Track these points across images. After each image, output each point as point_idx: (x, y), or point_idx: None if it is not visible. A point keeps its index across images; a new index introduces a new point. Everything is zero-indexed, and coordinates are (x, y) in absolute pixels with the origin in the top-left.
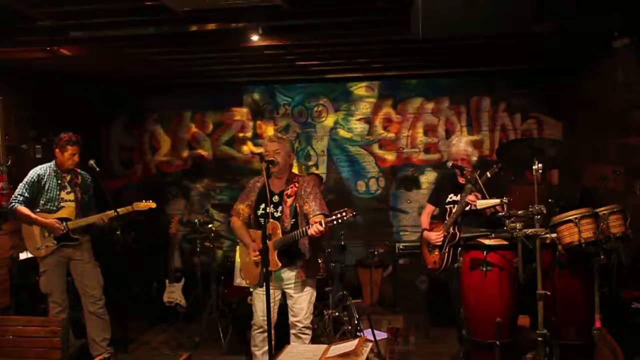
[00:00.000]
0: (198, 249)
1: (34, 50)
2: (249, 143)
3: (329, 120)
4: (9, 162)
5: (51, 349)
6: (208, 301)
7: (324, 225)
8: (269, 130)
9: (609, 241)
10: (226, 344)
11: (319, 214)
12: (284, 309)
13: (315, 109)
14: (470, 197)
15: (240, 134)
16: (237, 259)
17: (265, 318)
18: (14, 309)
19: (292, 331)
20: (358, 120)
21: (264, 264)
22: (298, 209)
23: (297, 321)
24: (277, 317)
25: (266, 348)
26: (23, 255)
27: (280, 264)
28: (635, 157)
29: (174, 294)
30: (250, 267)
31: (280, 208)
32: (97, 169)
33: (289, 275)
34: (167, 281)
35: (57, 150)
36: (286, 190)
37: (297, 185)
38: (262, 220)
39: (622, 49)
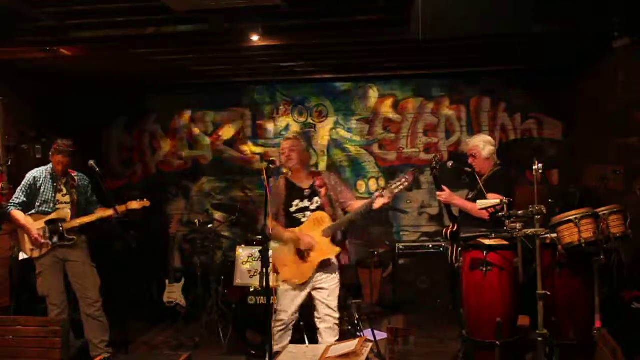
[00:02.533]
0: (198, 249)
1: (34, 50)
2: (249, 143)
3: (329, 120)
4: (9, 162)
5: (51, 349)
6: (208, 301)
7: (387, 197)
8: (269, 131)
9: (609, 241)
10: (226, 344)
11: (354, 200)
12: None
13: (315, 109)
14: (439, 192)
15: (240, 134)
16: (238, 260)
17: (292, 315)
18: (14, 309)
19: (324, 325)
20: (358, 120)
21: (264, 264)
22: (333, 197)
23: (329, 315)
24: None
25: (285, 343)
26: (23, 255)
27: (339, 248)
28: (635, 157)
29: (174, 294)
30: (297, 264)
31: (315, 199)
32: (97, 169)
33: (320, 272)
34: (167, 281)
35: (50, 154)
36: (315, 182)
37: (320, 178)
38: (298, 215)
39: (622, 49)
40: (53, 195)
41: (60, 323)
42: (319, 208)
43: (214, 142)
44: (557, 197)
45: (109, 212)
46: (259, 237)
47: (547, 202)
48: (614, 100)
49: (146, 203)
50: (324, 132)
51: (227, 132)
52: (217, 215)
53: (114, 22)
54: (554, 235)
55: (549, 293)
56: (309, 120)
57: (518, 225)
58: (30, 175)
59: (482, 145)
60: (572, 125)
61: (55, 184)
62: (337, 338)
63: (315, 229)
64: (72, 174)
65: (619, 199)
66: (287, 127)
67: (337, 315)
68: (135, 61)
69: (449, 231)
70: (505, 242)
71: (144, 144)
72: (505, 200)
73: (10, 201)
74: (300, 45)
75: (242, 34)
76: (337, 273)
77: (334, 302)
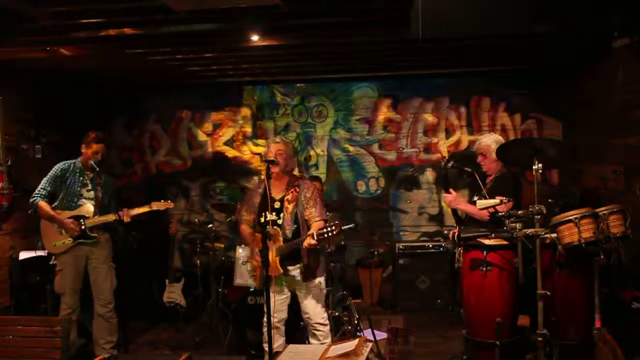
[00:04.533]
0: (198, 249)
1: (34, 50)
2: (249, 143)
3: (329, 120)
4: (9, 162)
5: (51, 349)
6: (208, 301)
7: (316, 239)
8: (269, 131)
9: (609, 241)
10: (226, 344)
11: (318, 220)
12: (294, 308)
13: (315, 109)
14: (445, 194)
15: (240, 134)
16: (239, 258)
17: (276, 317)
18: (14, 309)
19: (308, 329)
20: (358, 120)
21: (264, 264)
22: (299, 215)
23: (308, 317)
24: (287, 315)
25: (278, 344)
26: (23, 255)
27: (282, 270)
28: (635, 157)
29: (174, 294)
30: (257, 269)
31: (281, 214)
32: (97, 169)
33: (298, 271)
34: (167, 281)
35: (83, 145)
36: (287, 196)
37: (297, 189)
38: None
39: (622, 49)
40: (78, 189)
41: (61, 323)
42: (280, 225)
43: (214, 142)
44: (557, 197)
45: (129, 212)
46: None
47: (547, 202)
48: (614, 100)
49: (170, 204)
50: (324, 132)
51: (227, 132)
52: (217, 215)
53: (113, 22)
54: (554, 235)
55: (549, 293)
56: (309, 120)
57: (518, 225)
58: (58, 167)
59: (494, 145)
60: (572, 125)
61: (82, 178)
62: (321, 343)
63: (272, 246)
64: (100, 171)
65: (619, 199)
66: (287, 127)
67: (315, 320)
68: (135, 61)
69: (455, 234)
70: (505, 242)
71: (144, 144)
72: (505, 199)
73: (36, 192)
74: (300, 45)
75: (242, 34)
76: (314, 278)
77: (309, 307)
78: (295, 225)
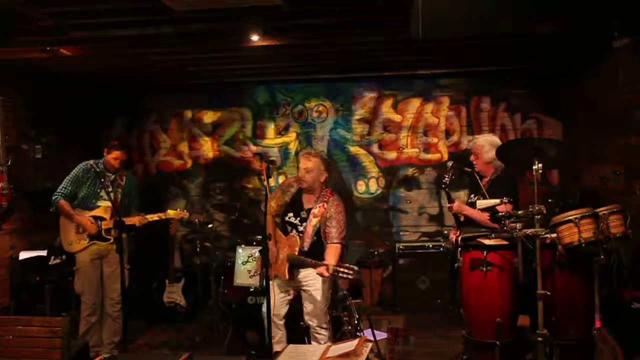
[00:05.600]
0: (198, 249)
1: (34, 50)
2: (249, 143)
3: (329, 120)
4: (9, 162)
5: (51, 349)
6: (208, 301)
7: (329, 273)
8: (269, 131)
9: (609, 241)
10: (226, 344)
11: (335, 243)
12: (295, 307)
13: (315, 109)
14: (449, 205)
15: (240, 134)
16: (238, 260)
17: (276, 312)
18: (14, 309)
19: (309, 330)
20: (358, 120)
21: (264, 264)
22: (321, 230)
23: (310, 320)
24: (286, 310)
25: (276, 338)
26: (23, 255)
27: (287, 277)
28: (635, 157)
29: (174, 294)
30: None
31: (304, 224)
32: (98, 170)
33: (304, 273)
34: (167, 281)
35: (105, 150)
36: (314, 209)
37: (325, 206)
38: (287, 226)
39: (622, 49)
40: (97, 190)
41: (61, 323)
42: (301, 232)
43: (214, 142)
44: (557, 197)
45: (147, 217)
46: (259, 237)
47: (547, 202)
48: (614, 100)
49: (185, 214)
50: (324, 132)
51: (227, 132)
52: (217, 215)
53: (114, 22)
54: (554, 235)
55: (549, 293)
56: (309, 120)
57: (518, 225)
58: (79, 168)
59: (487, 147)
60: (572, 125)
61: (102, 180)
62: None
63: (286, 249)
64: (122, 173)
65: (619, 199)
66: (287, 127)
67: (317, 324)
68: (135, 61)
69: (458, 237)
70: (505, 242)
71: (144, 144)
72: (505, 199)
73: (58, 191)
74: (301, 45)
75: (242, 34)
76: (318, 280)
77: (313, 311)
78: (316, 238)
